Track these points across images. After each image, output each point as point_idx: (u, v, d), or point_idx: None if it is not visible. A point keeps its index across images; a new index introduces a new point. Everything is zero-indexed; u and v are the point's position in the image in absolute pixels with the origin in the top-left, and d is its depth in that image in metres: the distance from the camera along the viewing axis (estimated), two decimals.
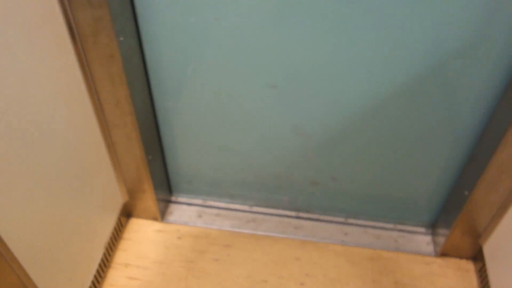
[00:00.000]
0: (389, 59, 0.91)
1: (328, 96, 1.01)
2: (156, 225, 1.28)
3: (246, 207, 1.34)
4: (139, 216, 1.29)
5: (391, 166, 1.14)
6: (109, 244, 1.16)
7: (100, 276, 1.12)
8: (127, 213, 1.28)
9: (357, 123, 1.06)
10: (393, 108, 1.01)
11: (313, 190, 1.26)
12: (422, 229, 1.29)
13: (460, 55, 0.88)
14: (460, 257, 1.22)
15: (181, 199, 1.36)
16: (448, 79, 0.93)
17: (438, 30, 0.85)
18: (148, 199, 1.21)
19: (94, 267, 1.09)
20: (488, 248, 1.13)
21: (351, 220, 1.31)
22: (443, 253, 1.22)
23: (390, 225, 1.30)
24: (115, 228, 1.19)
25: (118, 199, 1.21)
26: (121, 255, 1.20)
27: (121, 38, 0.86)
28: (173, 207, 1.33)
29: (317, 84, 0.99)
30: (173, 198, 1.36)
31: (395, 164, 1.14)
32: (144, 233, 1.26)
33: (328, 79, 0.98)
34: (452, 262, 1.22)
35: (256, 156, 1.19)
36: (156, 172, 1.18)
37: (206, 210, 1.33)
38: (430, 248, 1.25)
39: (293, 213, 1.32)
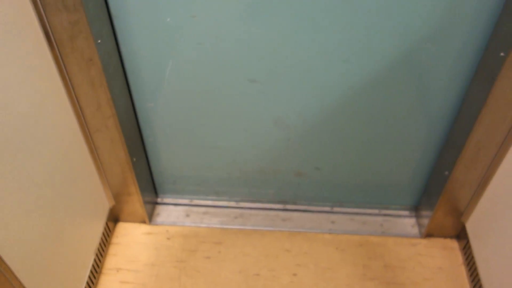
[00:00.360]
0: (364, 47, 0.93)
1: (307, 88, 1.03)
2: (144, 228, 1.28)
3: (233, 203, 1.34)
4: (126, 220, 1.28)
5: (372, 152, 1.17)
6: (98, 250, 1.15)
7: (92, 283, 1.11)
8: (114, 218, 1.27)
9: (336, 113, 1.08)
10: (370, 95, 1.03)
11: (298, 181, 1.27)
12: (406, 212, 1.32)
13: (430, 39, 0.91)
14: (445, 236, 1.26)
15: (167, 199, 1.36)
16: (420, 63, 0.96)
17: (408, 16, 0.87)
18: (135, 202, 1.21)
19: (86, 274, 1.08)
20: (471, 226, 1.17)
21: (337, 209, 1.33)
22: (428, 234, 1.25)
23: (375, 211, 1.33)
24: (103, 234, 1.18)
25: (105, 204, 1.20)
26: (111, 260, 1.20)
27: (99, 41, 0.86)
28: (160, 209, 1.33)
29: (296, 76, 1.01)
30: (159, 200, 1.36)
31: (376, 150, 1.16)
32: (133, 237, 1.26)
33: (306, 71, 0.99)
34: (437, 242, 1.25)
35: (240, 151, 1.20)
36: (141, 174, 1.18)
37: (193, 209, 1.33)
38: (415, 230, 1.28)
39: (280, 206, 1.34)
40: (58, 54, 0.86)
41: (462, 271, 1.18)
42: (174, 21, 0.92)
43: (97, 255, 1.14)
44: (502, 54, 0.84)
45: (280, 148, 1.18)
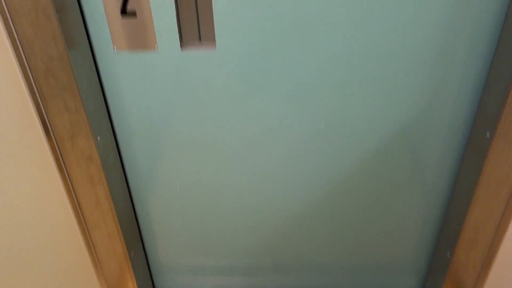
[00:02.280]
0: (358, 129, 0.96)
1: (304, 185, 1.06)
2: None
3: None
4: None
5: (373, 236, 1.16)
6: None
7: None
8: None
9: (334, 203, 1.09)
10: (367, 179, 1.04)
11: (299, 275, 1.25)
12: None
13: (421, 117, 0.94)
14: None
15: None
16: (413, 141, 0.98)
17: (399, 97, 0.91)
18: None
19: None
20: None
21: None
22: None
23: None
24: None
25: None
26: None
27: (98, 138, 0.89)
28: None
29: (295, 174, 1.04)
30: None
31: (376, 233, 1.15)
32: None
33: (304, 170, 1.03)
34: None
35: (240, 241, 1.19)
36: (138, 267, 1.15)
37: None
38: None
39: None
40: (58, 152, 0.88)
41: None
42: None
43: None
44: (488, 135, 0.87)
45: (278, 240, 1.18)
